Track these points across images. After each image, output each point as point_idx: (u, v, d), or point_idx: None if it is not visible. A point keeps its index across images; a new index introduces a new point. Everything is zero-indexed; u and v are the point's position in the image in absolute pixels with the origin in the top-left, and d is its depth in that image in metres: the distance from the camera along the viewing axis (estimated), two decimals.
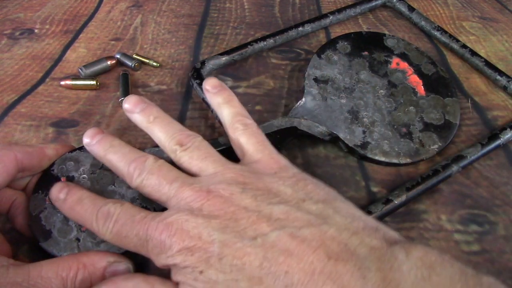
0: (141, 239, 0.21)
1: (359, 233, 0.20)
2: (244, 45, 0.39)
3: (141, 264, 0.25)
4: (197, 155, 0.25)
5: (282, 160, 0.25)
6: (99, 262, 0.22)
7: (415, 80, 0.35)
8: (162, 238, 0.21)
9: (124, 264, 0.23)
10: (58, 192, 0.24)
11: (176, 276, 0.21)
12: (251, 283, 0.19)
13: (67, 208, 0.24)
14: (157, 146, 0.27)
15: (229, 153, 0.28)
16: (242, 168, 0.24)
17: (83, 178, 0.26)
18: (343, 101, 0.32)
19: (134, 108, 0.27)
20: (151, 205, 0.26)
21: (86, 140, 0.26)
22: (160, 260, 0.21)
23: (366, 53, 0.35)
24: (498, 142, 0.32)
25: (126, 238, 0.22)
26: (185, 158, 0.25)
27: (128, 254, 0.24)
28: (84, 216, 0.23)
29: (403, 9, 0.46)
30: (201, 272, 0.20)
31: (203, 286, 0.20)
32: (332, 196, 0.23)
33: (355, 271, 0.18)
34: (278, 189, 0.22)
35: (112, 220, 0.22)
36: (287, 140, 0.31)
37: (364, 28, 0.45)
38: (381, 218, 0.27)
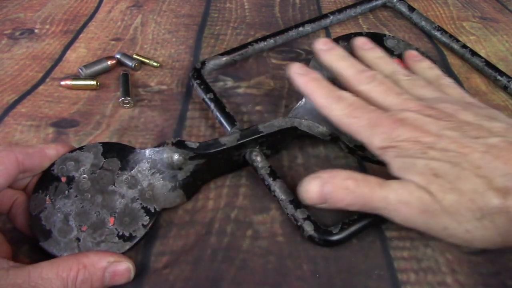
0: (371, 123, 0.25)
1: None
2: (245, 45, 0.39)
3: (140, 264, 0.25)
4: (419, 84, 0.29)
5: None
6: (99, 262, 0.22)
7: None
8: (394, 126, 0.25)
9: (124, 264, 0.23)
10: (299, 68, 0.29)
11: (394, 155, 0.24)
12: (472, 166, 0.22)
13: (304, 81, 0.29)
14: (157, 146, 0.27)
15: (230, 153, 0.28)
16: (459, 100, 0.27)
17: (84, 178, 0.26)
18: None
19: (364, 45, 0.33)
20: (152, 205, 0.26)
21: (319, 46, 0.31)
22: (382, 142, 0.25)
23: None
24: None
25: (356, 119, 0.26)
26: (408, 85, 0.28)
27: (128, 254, 0.24)
28: (317, 92, 0.28)
29: (403, 9, 0.46)
30: (425, 152, 0.23)
31: (427, 162, 0.23)
32: None
33: None
34: (494, 115, 0.25)
35: (347, 102, 0.27)
36: (288, 140, 0.31)
37: (365, 28, 0.45)
38: (381, 218, 0.27)
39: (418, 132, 0.24)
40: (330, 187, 0.24)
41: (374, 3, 0.46)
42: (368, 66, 0.30)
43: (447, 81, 0.30)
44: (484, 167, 0.22)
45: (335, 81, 0.30)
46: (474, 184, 0.22)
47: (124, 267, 0.23)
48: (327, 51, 0.31)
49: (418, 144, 0.24)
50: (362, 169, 0.31)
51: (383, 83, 0.28)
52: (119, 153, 0.27)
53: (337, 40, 0.36)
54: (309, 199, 0.25)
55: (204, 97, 0.34)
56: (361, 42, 0.33)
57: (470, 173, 0.22)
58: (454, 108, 0.25)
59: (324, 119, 0.31)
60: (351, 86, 0.29)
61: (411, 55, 0.34)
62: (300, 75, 0.29)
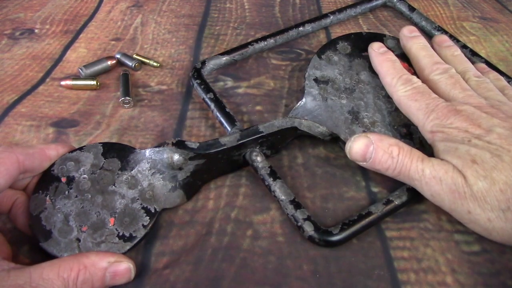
0: (428, 107, 0.27)
1: None
2: (245, 45, 0.39)
3: (141, 264, 0.25)
4: (485, 86, 0.30)
5: None
6: (99, 262, 0.22)
7: None
8: (448, 114, 0.27)
9: (125, 264, 0.23)
10: (378, 48, 0.33)
11: (441, 138, 0.26)
12: (511, 163, 0.24)
13: (381, 59, 0.32)
14: (157, 146, 0.27)
15: (230, 153, 0.28)
16: None
17: (84, 178, 0.26)
18: (344, 101, 0.32)
19: (444, 42, 0.35)
20: (152, 205, 0.26)
21: (404, 32, 0.34)
22: (432, 126, 0.27)
23: (366, 53, 0.35)
24: None
25: (416, 102, 0.28)
26: (473, 85, 0.30)
27: (128, 254, 0.24)
28: (388, 71, 0.31)
29: (404, 9, 0.46)
30: (469, 141, 0.25)
31: (468, 149, 0.25)
32: None
33: None
34: None
35: (413, 85, 0.29)
36: (288, 140, 0.31)
37: (365, 28, 0.45)
38: (381, 219, 0.27)
39: (469, 123, 0.26)
40: (375, 147, 0.26)
41: (374, 3, 0.46)
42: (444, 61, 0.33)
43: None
44: None
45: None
46: (508, 176, 0.23)
47: (124, 267, 0.23)
48: (411, 38, 0.34)
49: (466, 133, 0.25)
50: (362, 169, 0.31)
51: (453, 77, 0.30)
52: (119, 153, 0.27)
53: (337, 40, 0.36)
54: (352, 155, 0.27)
55: (204, 97, 0.34)
56: (440, 40, 0.36)
57: (508, 166, 0.23)
58: (508, 109, 0.27)
59: (324, 120, 0.31)
60: (424, 74, 0.31)
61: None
62: (378, 53, 0.32)
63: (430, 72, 0.31)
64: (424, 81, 0.30)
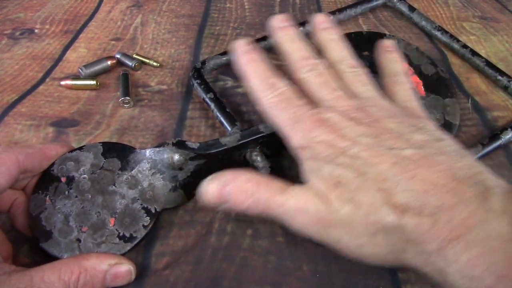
0: (293, 118, 0.24)
1: (486, 173, 0.21)
2: None
3: (141, 265, 0.25)
4: (360, 80, 0.27)
5: (425, 113, 0.27)
6: (100, 265, 0.22)
7: (415, 81, 0.35)
8: (313, 126, 0.23)
9: (125, 266, 0.23)
10: (242, 46, 0.27)
11: (307, 156, 0.23)
12: (376, 178, 0.21)
13: (244, 60, 0.27)
14: (158, 146, 0.27)
15: (230, 153, 0.28)
16: (393, 105, 0.26)
17: (83, 178, 0.26)
18: None
19: (321, 25, 0.30)
20: (152, 205, 0.26)
21: (273, 22, 0.29)
22: (299, 141, 0.24)
23: (366, 53, 0.35)
24: (499, 142, 0.32)
25: (281, 111, 0.25)
26: (349, 79, 0.27)
27: (128, 255, 0.24)
28: (255, 73, 0.26)
29: (404, 9, 0.46)
30: (335, 158, 0.22)
31: (333, 169, 0.22)
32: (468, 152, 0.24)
33: (477, 193, 0.19)
34: (421, 126, 0.24)
35: (279, 91, 0.25)
36: None
37: (365, 28, 0.45)
38: None
39: (335, 135, 0.23)
40: (230, 189, 0.23)
41: (374, 3, 0.46)
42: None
43: (401, 80, 0.29)
44: (389, 180, 0.21)
45: None
46: (373, 197, 0.20)
47: (125, 269, 0.23)
48: (280, 29, 0.29)
49: (332, 148, 0.22)
50: None
51: (322, 74, 0.26)
52: (119, 153, 0.27)
53: None
54: (208, 200, 0.23)
55: (205, 97, 0.34)
56: (318, 20, 0.30)
57: (373, 184, 0.21)
58: (382, 114, 0.24)
59: None
60: (294, 72, 0.27)
61: (385, 44, 0.31)
62: (242, 53, 0.27)
63: (297, 70, 0.27)
64: (295, 81, 0.27)
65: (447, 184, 0.20)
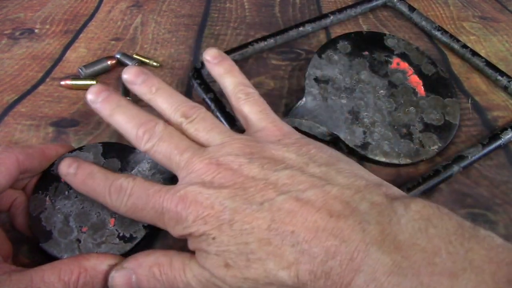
0: (157, 211, 0.22)
1: (361, 191, 0.21)
2: (245, 45, 0.39)
3: None
4: (203, 127, 0.25)
5: (285, 127, 0.26)
6: (100, 265, 0.22)
7: (415, 81, 0.35)
8: (178, 210, 0.22)
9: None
10: (68, 167, 0.24)
11: (192, 244, 0.22)
12: (260, 244, 0.20)
13: (78, 182, 0.24)
14: None
15: None
16: (248, 138, 0.25)
17: None
18: (344, 101, 0.32)
19: (135, 79, 0.26)
20: None
21: (90, 97, 0.25)
22: (176, 231, 0.22)
23: (366, 53, 0.35)
24: (499, 142, 0.32)
25: (142, 211, 0.23)
26: (192, 130, 0.25)
27: (128, 255, 0.24)
28: (96, 190, 0.24)
29: (404, 9, 0.46)
30: (214, 238, 0.21)
31: (216, 249, 0.21)
32: (335, 157, 0.24)
33: (356, 225, 0.19)
34: (283, 156, 0.23)
35: (127, 193, 0.23)
36: None
37: (365, 28, 0.45)
38: None
39: (202, 209, 0.21)
40: (137, 278, 0.22)
41: (374, 3, 0.46)
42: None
43: (245, 94, 0.27)
44: (272, 241, 0.20)
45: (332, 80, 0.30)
46: (264, 268, 0.20)
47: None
48: (102, 102, 0.25)
49: (206, 225, 0.21)
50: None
51: (163, 139, 0.24)
52: (119, 153, 0.27)
53: (337, 39, 0.36)
54: None
55: (204, 97, 0.34)
56: (130, 75, 0.26)
57: (259, 254, 0.20)
58: (239, 161, 0.23)
59: (324, 120, 0.31)
60: (136, 146, 0.25)
61: (209, 55, 0.29)
62: (72, 175, 0.24)
63: (139, 144, 0.24)
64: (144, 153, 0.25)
65: (326, 226, 0.20)
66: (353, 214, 0.20)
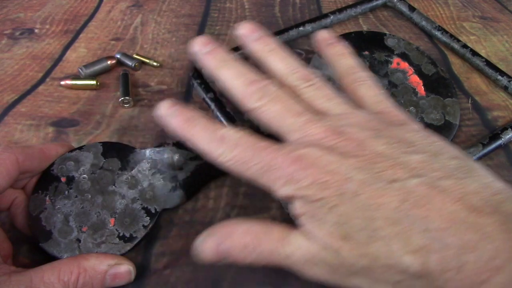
0: (263, 168, 0.20)
1: (502, 193, 0.19)
2: None
3: (141, 265, 0.25)
4: (323, 94, 0.23)
5: (404, 115, 0.24)
6: (100, 265, 0.22)
7: (415, 80, 0.35)
8: (291, 170, 0.20)
9: (125, 266, 0.23)
10: (168, 108, 0.22)
11: (302, 208, 0.20)
12: (387, 223, 0.19)
13: (177, 123, 0.22)
14: (158, 146, 0.27)
15: None
16: (370, 115, 0.23)
17: (83, 178, 0.26)
18: None
19: (251, 34, 0.25)
20: (152, 205, 0.26)
21: (196, 47, 0.24)
22: (284, 191, 0.20)
23: (366, 52, 0.35)
24: (499, 142, 0.32)
25: (244, 165, 0.21)
26: (309, 95, 0.23)
27: (128, 255, 0.24)
28: (195, 136, 0.22)
29: (404, 9, 0.46)
30: (335, 205, 0.19)
31: (337, 219, 0.19)
32: (465, 154, 0.22)
33: (499, 225, 0.18)
34: (411, 140, 0.21)
35: (231, 143, 0.21)
36: None
37: (365, 28, 0.45)
38: None
39: (322, 174, 0.20)
40: (227, 245, 0.20)
41: (374, 3, 0.46)
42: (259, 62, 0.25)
43: (362, 77, 0.25)
44: (401, 222, 0.18)
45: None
46: (388, 248, 0.18)
47: (124, 270, 0.23)
48: (209, 54, 0.24)
49: (325, 190, 0.19)
50: None
51: (277, 99, 0.22)
52: (119, 153, 0.27)
53: None
54: (206, 258, 0.21)
55: (205, 96, 0.34)
56: (246, 30, 0.25)
57: (385, 232, 0.19)
58: (365, 134, 0.21)
59: None
60: (242, 104, 0.23)
61: (323, 37, 0.27)
62: (171, 116, 0.22)
63: (246, 101, 0.23)
64: (248, 112, 0.23)
65: (466, 218, 0.18)
66: (496, 214, 0.18)
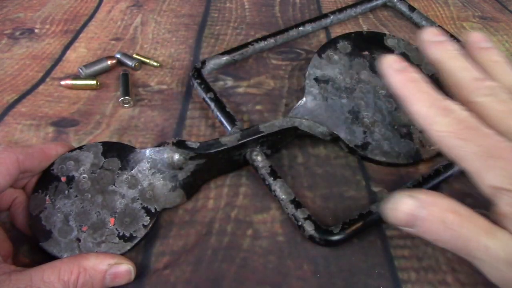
0: (486, 151, 0.20)
1: None
2: (245, 45, 0.39)
3: (141, 265, 0.25)
4: None
5: None
6: (99, 265, 0.22)
7: None
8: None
9: (125, 265, 0.23)
10: (397, 62, 0.23)
11: (510, 198, 0.19)
12: None
13: (401, 80, 0.23)
14: (158, 146, 0.27)
15: (230, 153, 0.28)
16: None
17: (83, 177, 0.26)
18: (344, 101, 0.32)
19: (435, 38, 0.25)
20: (152, 205, 0.26)
21: (427, 36, 0.25)
22: (496, 182, 0.19)
23: (366, 53, 0.35)
24: None
25: (464, 142, 0.20)
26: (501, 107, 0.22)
27: (128, 254, 0.24)
28: (417, 96, 0.22)
29: (404, 9, 0.46)
30: None
31: None
32: None
33: None
34: None
35: (457, 118, 0.21)
36: (288, 140, 0.31)
37: (365, 28, 0.45)
38: (382, 218, 0.27)
39: None
40: (425, 213, 0.20)
41: (374, 3, 0.46)
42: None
43: None
44: None
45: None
46: None
47: (124, 269, 0.23)
48: (438, 44, 0.25)
49: None
50: (362, 169, 0.31)
51: (504, 100, 0.22)
52: (119, 152, 0.27)
53: (337, 39, 0.36)
54: (395, 218, 0.20)
55: (205, 96, 0.34)
56: (476, 38, 0.25)
57: None
58: None
59: (324, 120, 0.31)
60: (463, 94, 0.23)
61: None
62: (396, 71, 0.23)
63: (472, 93, 0.22)
64: (465, 105, 0.22)
65: None
66: None
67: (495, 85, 0.23)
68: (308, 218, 0.26)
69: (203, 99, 0.34)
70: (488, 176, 0.20)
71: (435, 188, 0.30)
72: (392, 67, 0.23)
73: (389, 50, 0.36)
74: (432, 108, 0.21)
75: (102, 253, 0.24)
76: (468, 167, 0.20)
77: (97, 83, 0.36)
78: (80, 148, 0.27)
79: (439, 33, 0.25)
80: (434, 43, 0.25)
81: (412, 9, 0.45)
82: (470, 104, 0.22)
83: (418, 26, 0.45)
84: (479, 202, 0.29)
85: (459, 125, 0.21)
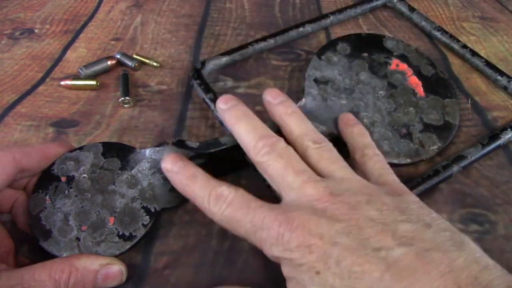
0: (255, 226, 0.21)
1: (490, 269, 0.19)
2: (245, 45, 0.39)
3: (141, 265, 0.25)
4: (328, 156, 0.24)
5: (404, 187, 0.25)
6: (91, 265, 0.22)
7: (414, 81, 0.35)
8: (281, 231, 0.20)
9: (117, 266, 0.23)
10: (172, 164, 0.25)
11: (288, 271, 0.21)
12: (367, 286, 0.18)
13: (178, 180, 0.25)
14: (158, 146, 0.27)
15: (230, 153, 0.28)
16: (369, 183, 0.24)
17: (84, 177, 0.26)
18: (343, 102, 0.32)
19: (275, 100, 0.27)
20: (152, 204, 0.26)
21: (220, 105, 0.27)
22: (273, 252, 0.21)
23: (366, 54, 0.35)
24: (498, 142, 0.32)
25: (238, 222, 0.22)
26: (315, 156, 0.24)
27: (120, 257, 0.24)
28: (195, 192, 0.24)
29: (404, 9, 0.46)
30: (317, 272, 0.19)
31: (317, 287, 0.19)
32: (454, 229, 0.21)
33: None
34: (405, 209, 0.22)
35: (226, 201, 0.23)
36: (288, 140, 0.31)
37: (365, 28, 0.45)
38: None
39: (309, 236, 0.20)
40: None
41: (374, 3, 0.46)
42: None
43: (372, 152, 0.27)
44: None
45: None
46: None
47: (116, 270, 0.23)
48: (227, 110, 0.26)
49: (311, 255, 0.20)
50: None
51: (282, 156, 0.23)
52: (119, 152, 0.27)
53: (336, 41, 0.36)
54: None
55: (204, 97, 0.34)
56: (271, 95, 0.28)
57: None
58: (358, 198, 0.21)
59: (324, 120, 0.31)
60: (250, 156, 0.25)
61: (346, 118, 0.30)
62: (175, 173, 0.25)
63: (255, 154, 0.24)
64: (256, 165, 0.25)
65: None
66: None
67: (274, 141, 0.24)
68: None
69: (203, 99, 0.34)
70: (265, 247, 0.21)
71: (435, 188, 0.30)
72: (170, 169, 0.25)
73: (388, 52, 0.36)
74: (210, 199, 0.23)
75: (94, 254, 0.24)
76: (252, 241, 0.22)
77: (97, 83, 0.36)
78: (80, 148, 0.27)
79: (230, 98, 0.27)
80: (225, 110, 0.27)
81: (412, 9, 0.45)
82: (258, 165, 0.24)
83: (418, 27, 0.45)
84: (479, 203, 0.30)
85: (230, 207, 0.22)
